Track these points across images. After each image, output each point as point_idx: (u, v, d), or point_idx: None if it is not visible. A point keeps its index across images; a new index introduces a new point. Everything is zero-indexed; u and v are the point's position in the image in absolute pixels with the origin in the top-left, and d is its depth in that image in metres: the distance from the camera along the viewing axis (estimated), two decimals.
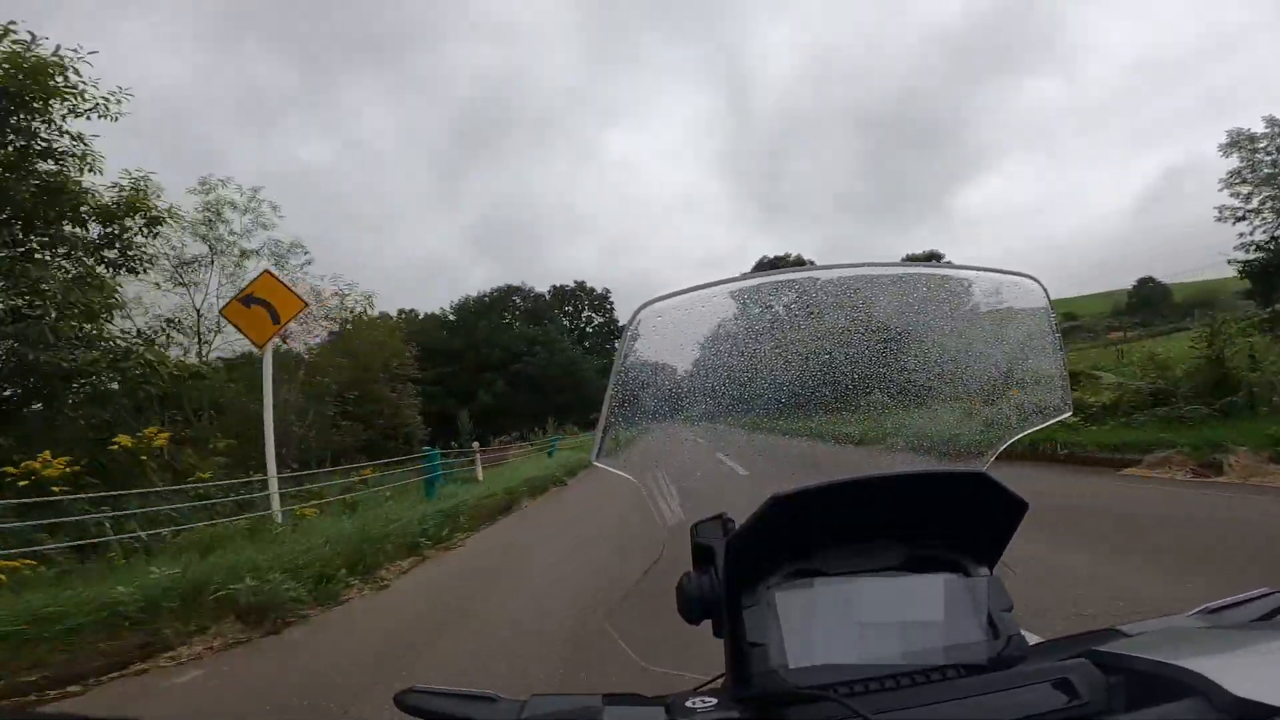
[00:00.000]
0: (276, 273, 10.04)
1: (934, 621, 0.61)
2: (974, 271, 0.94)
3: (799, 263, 49.27)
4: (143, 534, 6.24)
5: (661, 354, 0.79)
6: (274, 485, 7.93)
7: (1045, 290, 0.85)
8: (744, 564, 0.63)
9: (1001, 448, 0.86)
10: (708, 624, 0.68)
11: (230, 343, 17.73)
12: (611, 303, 69.84)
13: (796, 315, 0.82)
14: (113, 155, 10.77)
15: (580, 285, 71.14)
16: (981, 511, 0.65)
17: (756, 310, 0.82)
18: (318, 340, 18.64)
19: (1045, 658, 0.62)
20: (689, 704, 0.58)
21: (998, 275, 0.89)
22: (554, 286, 69.41)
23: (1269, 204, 24.63)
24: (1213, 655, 0.52)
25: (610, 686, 0.66)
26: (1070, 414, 0.85)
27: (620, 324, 60.94)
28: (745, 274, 0.83)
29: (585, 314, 70.66)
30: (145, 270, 12.08)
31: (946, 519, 0.65)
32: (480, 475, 15.46)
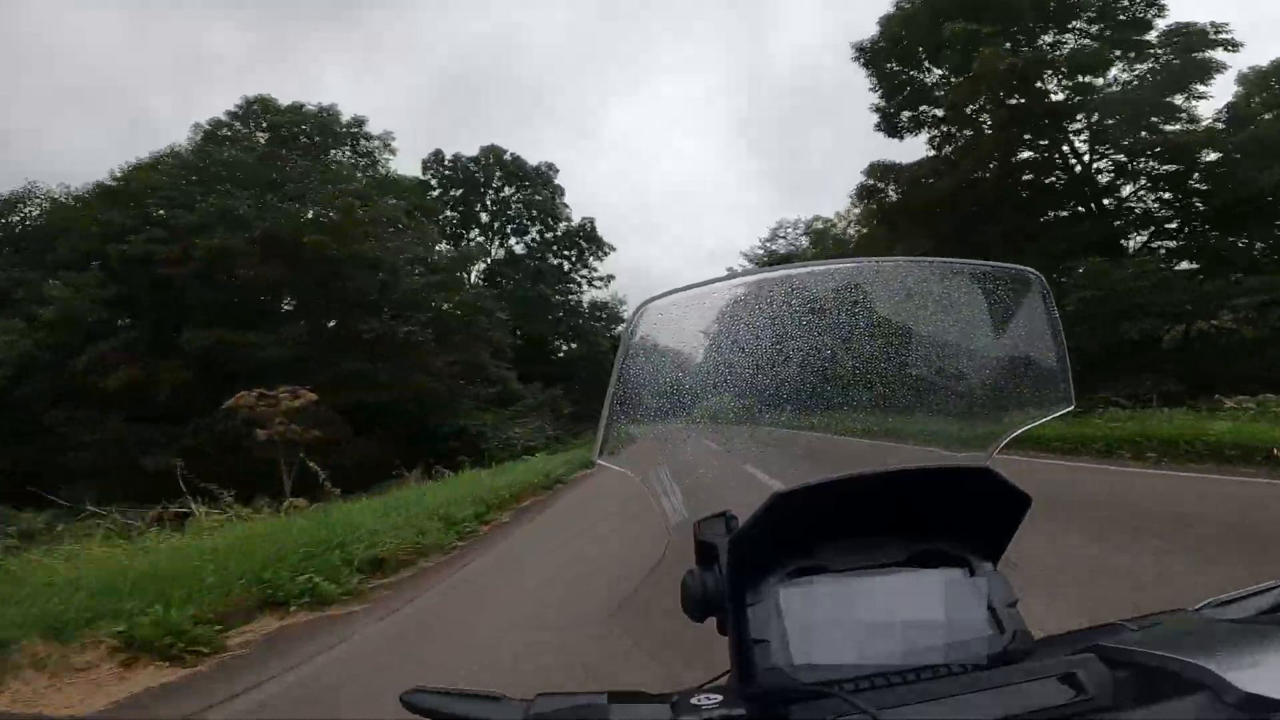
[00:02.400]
0: None
1: (938, 618, 0.61)
2: (974, 265, 0.94)
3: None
4: None
5: (663, 352, 0.79)
6: None
7: (1044, 283, 0.85)
8: (747, 561, 0.63)
9: (1004, 441, 0.86)
10: (712, 621, 0.68)
11: None
12: (559, 186, 40.37)
13: (798, 311, 0.82)
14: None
15: (502, 156, 39.13)
16: (985, 506, 0.65)
17: (758, 307, 0.81)
18: None
19: (1051, 653, 0.62)
20: (694, 701, 0.59)
21: (997, 269, 0.89)
22: (433, 152, 38.88)
23: None
24: (1220, 650, 0.52)
25: (615, 684, 0.66)
26: (1071, 407, 0.85)
27: (580, 225, 40.09)
28: (746, 270, 0.83)
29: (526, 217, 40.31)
30: None
31: (950, 514, 0.65)
32: None
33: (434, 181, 39.18)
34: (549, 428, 26.42)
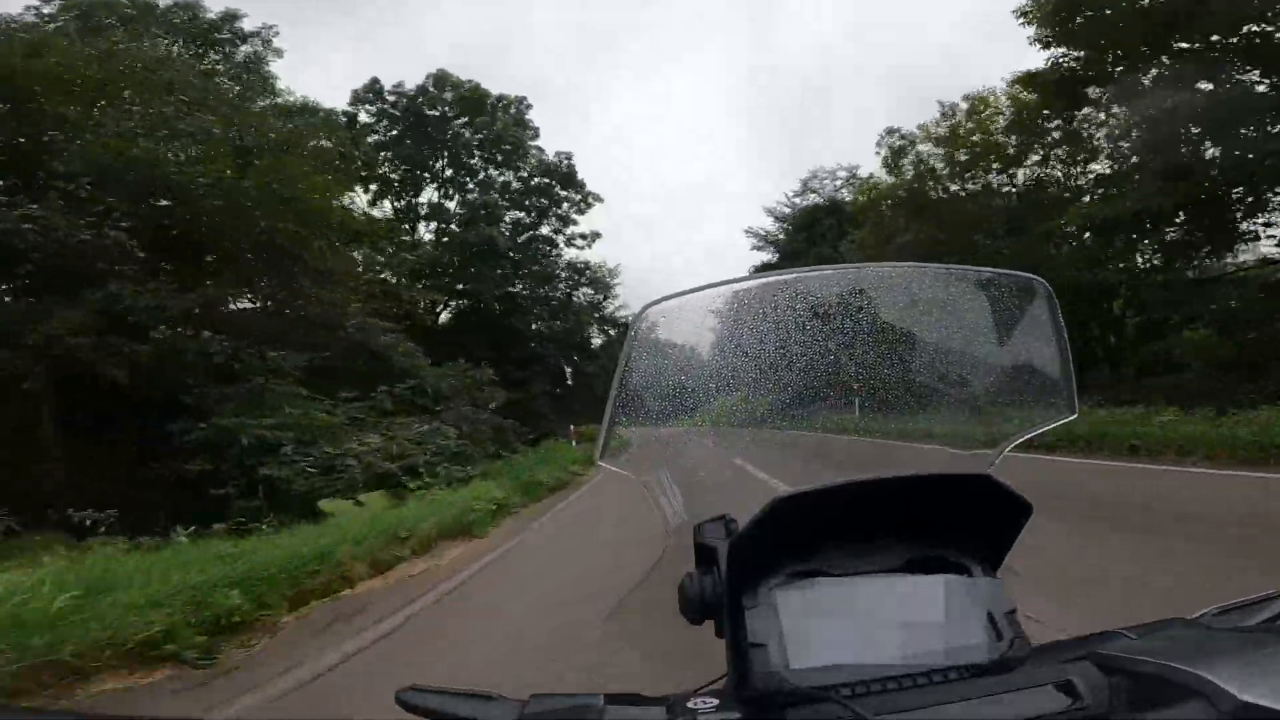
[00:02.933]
0: None
1: (936, 623, 0.61)
2: (979, 272, 0.94)
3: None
4: None
5: (665, 354, 0.80)
6: None
7: (1050, 291, 0.85)
8: (746, 565, 0.63)
9: (1006, 449, 0.86)
10: (709, 624, 0.68)
11: None
12: (532, 124, 29.60)
13: (801, 316, 0.82)
14: None
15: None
16: (986, 513, 0.65)
17: (761, 310, 0.82)
18: None
19: (1048, 660, 0.61)
20: (690, 704, 0.58)
21: (1002, 276, 0.89)
22: (369, 81, 27.97)
23: None
24: (1217, 658, 0.52)
25: (612, 686, 0.66)
26: (1074, 415, 0.85)
27: (555, 162, 28.76)
28: (749, 274, 0.83)
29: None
30: None
31: (950, 521, 0.65)
32: None
33: (370, 120, 28.52)
34: (456, 433, 14.53)
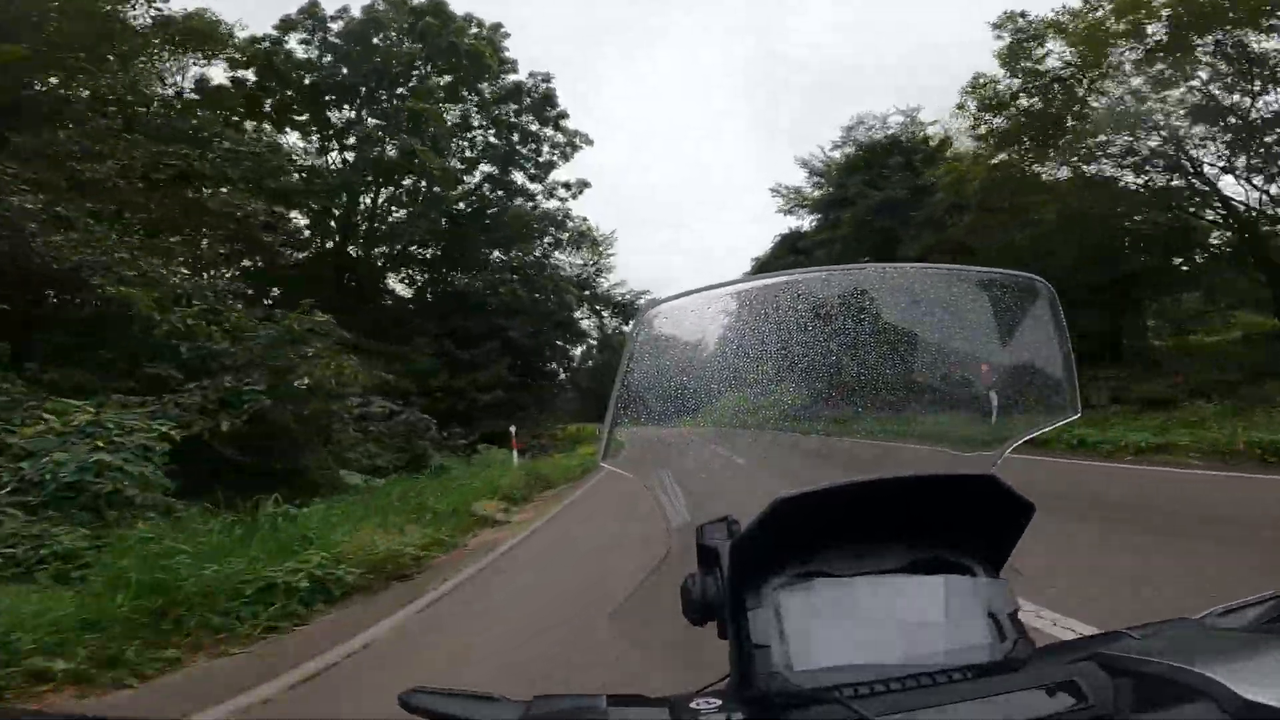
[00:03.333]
0: None
1: (939, 623, 0.61)
2: (980, 273, 0.94)
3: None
4: None
5: (667, 356, 0.80)
6: None
7: (1051, 291, 0.85)
8: (748, 566, 0.63)
9: (1008, 449, 0.86)
10: (712, 625, 0.68)
11: None
12: (505, 53, 23.56)
13: (803, 316, 0.82)
14: None
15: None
16: (989, 514, 0.65)
17: (763, 311, 0.82)
18: None
19: (1052, 660, 0.61)
20: (693, 705, 0.58)
21: (1004, 277, 0.89)
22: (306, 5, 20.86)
23: None
24: (1221, 658, 0.52)
25: (614, 687, 0.66)
26: (1077, 415, 0.85)
27: (529, 86, 22.50)
28: (751, 276, 0.83)
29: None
30: None
31: (953, 521, 0.65)
32: None
33: (306, 51, 21.99)
34: (162, 436, 6.09)
